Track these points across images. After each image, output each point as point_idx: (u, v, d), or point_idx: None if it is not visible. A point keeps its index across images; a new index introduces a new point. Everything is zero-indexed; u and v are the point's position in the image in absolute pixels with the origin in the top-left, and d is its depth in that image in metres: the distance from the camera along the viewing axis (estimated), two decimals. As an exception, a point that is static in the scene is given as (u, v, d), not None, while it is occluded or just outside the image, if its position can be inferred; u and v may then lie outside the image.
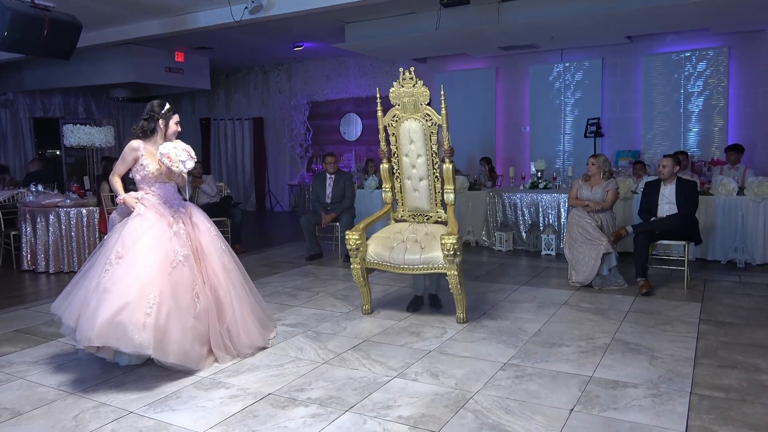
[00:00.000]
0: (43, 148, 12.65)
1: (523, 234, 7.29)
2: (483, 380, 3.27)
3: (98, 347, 3.36)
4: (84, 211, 6.50)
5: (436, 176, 4.53)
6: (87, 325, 3.22)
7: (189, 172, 3.79)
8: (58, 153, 12.86)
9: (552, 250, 6.88)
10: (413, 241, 4.39)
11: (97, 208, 6.54)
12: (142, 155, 3.67)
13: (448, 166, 4.42)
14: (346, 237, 4.40)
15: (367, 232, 4.60)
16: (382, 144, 4.66)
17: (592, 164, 5.59)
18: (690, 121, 8.61)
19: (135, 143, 3.69)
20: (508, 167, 8.54)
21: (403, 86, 4.47)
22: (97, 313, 3.20)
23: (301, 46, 10.30)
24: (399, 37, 8.15)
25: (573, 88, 9.38)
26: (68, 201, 6.69)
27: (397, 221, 4.77)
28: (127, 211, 3.65)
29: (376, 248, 4.42)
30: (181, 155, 3.59)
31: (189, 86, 11.22)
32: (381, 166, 4.70)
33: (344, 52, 10.17)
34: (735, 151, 7.32)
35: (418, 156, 4.57)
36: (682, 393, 3.05)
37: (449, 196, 4.46)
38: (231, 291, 3.71)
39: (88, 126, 6.96)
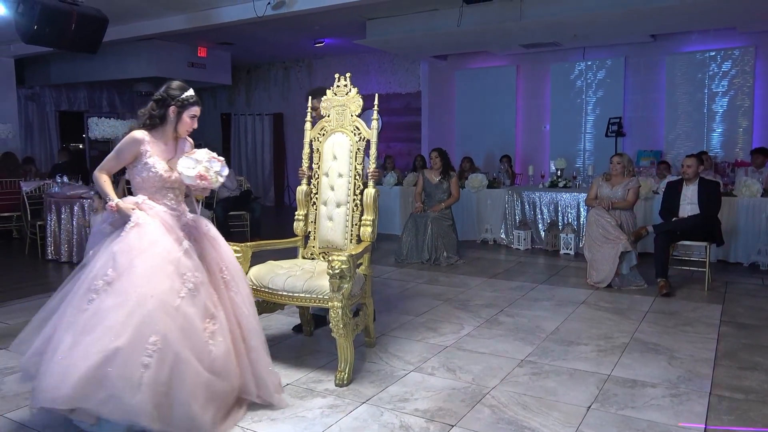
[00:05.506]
0: (67, 140, 12.88)
1: (542, 233, 7.25)
2: (500, 376, 3.28)
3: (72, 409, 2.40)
4: (107, 202, 6.61)
5: (356, 204, 3.66)
6: (54, 378, 2.32)
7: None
8: (81, 146, 13.09)
9: (571, 249, 6.84)
10: (308, 271, 3.46)
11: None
12: (147, 151, 2.79)
13: (370, 192, 3.56)
14: None
15: None
16: (304, 162, 3.85)
17: (617, 163, 5.54)
18: (714, 121, 8.49)
19: (139, 134, 2.80)
20: (527, 165, 8.50)
21: (336, 94, 3.76)
22: (73, 361, 2.32)
23: (322, 43, 10.35)
24: (420, 34, 8.16)
25: (595, 86, 9.31)
26: (92, 192, 6.80)
27: (305, 258, 3.86)
28: (121, 222, 2.73)
29: (259, 271, 3.50)
30: (213, 166, 2.81)
31: (210, 81, 11.36)
32: (298, 188, 3.88)
33: (365, 49, 10.19)
34: (761, 153, 7.18)
35: (339, 175, 3.76)
36: (701, 393, 3.04)
37: (366, 230, 3.55)
38: (253, 324, 2.88)
39: (112, 119, 7.09)
